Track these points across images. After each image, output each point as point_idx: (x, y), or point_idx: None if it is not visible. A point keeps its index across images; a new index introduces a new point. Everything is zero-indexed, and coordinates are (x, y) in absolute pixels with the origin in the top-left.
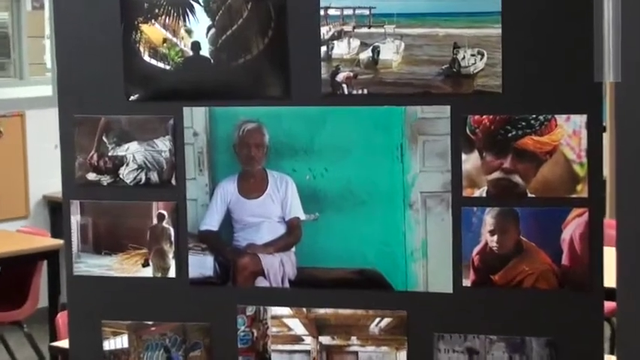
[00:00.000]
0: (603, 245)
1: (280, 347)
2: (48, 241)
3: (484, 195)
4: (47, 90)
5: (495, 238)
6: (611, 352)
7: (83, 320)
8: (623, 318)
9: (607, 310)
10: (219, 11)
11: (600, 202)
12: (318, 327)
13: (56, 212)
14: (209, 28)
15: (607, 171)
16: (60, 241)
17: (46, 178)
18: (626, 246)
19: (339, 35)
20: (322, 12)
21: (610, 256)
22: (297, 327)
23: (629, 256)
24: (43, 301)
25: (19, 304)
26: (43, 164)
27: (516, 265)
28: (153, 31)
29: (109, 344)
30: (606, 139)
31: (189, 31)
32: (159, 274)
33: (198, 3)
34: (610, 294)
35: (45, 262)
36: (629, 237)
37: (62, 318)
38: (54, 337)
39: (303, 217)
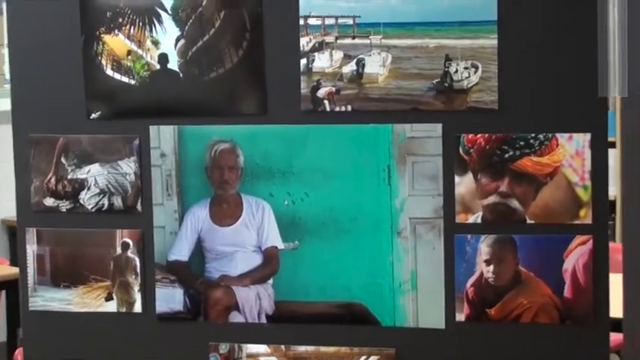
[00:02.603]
0: (609, 275)
1: None
2: (6, 270)
3: (479, 221)
4: (6, 104)
5: (491, 268)
6: None
7: (41, 359)
8: (630, 351)
9: (614, 343)
10: (188, 20)
11: (605, 229)
12: None
13: (16, 238)
14: (178, 39)
15: (616, 190)
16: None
17: (5, 200)
18: (634, 272)
19: (320, 47)
20: (302, 21)
21: (617, 283)
22: None
23: (637, 283)
24: (1, 335)
25: None
26: (1, 185)
27: (514, 297)
28: (116, 43)
29: None
30: (616, 155)
31: (155, 42)
32: (123, 309)
33: (166, 11)
34: (617, 325)
35: (3, 293)
36: (637, 263)
37: (21, 354)
38: None
39: (281, 246)
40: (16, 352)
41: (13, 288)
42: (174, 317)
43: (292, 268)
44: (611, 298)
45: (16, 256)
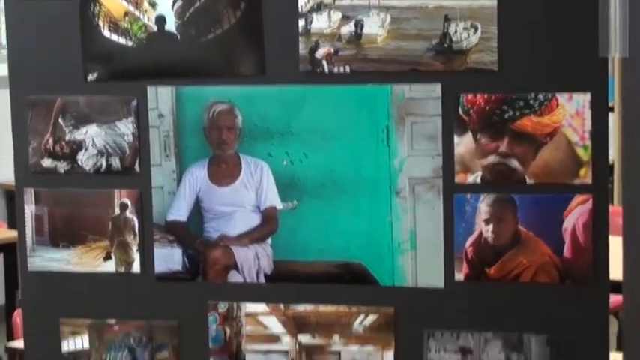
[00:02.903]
0: (608, 234)
1: (256, 347)
2: (4, 233)
3: (478, 181)
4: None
5: (491, 227)
6: (618, 349)
7: (39, 319)
8: (630, 312)
9: (613, 304)
10: None
11: (605, 189)
12: (296, 325)
13: (13, 201)
14: (175, 1)
15: (614, 154)
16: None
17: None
18: (634, 235)
19: (318, 7)
20: None
21: (616, 245)
22: (274, 325)
23: (636, 245)
24: (0, 298)
25: None
26: None
27: (513, 256)
28: (113, 4)
29: (68, 345)
30: (613, 120)
31: (153, 4)
32: (122, 269)
33: None
34: (616, 286)
35: (1, 256)
36: (636, 225)
37: (20, 316)
38: (11, 336)
39: (279, 206)
40: (15, 313)
41: (12, 251)
42: (172, 277)
43: (291, 228)
44: (610, 261)
45: (14, 220)
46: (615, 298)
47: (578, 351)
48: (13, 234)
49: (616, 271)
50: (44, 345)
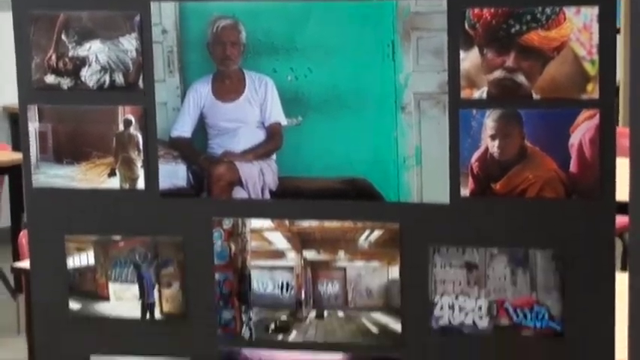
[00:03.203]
0: (615, 149)
1: (261, 263)
2: (8, 155)
3: (484, 96)
4: None
5: (497, 143)
6: (623, 269)
7: (45, 236)
8: (635, 232)
9: (618, 225)
10: None
11: (612, 104)
12: (301, 241)
13: (17, 124)
14: None
15: (620, 76)
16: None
17: (5, 87)
18: None
19: None
20: None
21: (622, 167)
22: (279, 241)
23: None
24: (5, 220)
25: None
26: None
27: (519, 172)
28: None
29: (74, 261)
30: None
31: None
32: (126, 185)
33: None
34: (622, 207)
35: (6, 178)
36: None
37: (25, 237)
38: (17, 257)
39: (284, 121)
40: (21, 234)
41: (16, 173)
42: (177, 193)
43: (295, 144)
44: (616, 182)
45: (19, 143)
46: (621, 220)
47: (583, 266)
48: (18, 156)
49: (622, 192)
50: (49, 262)
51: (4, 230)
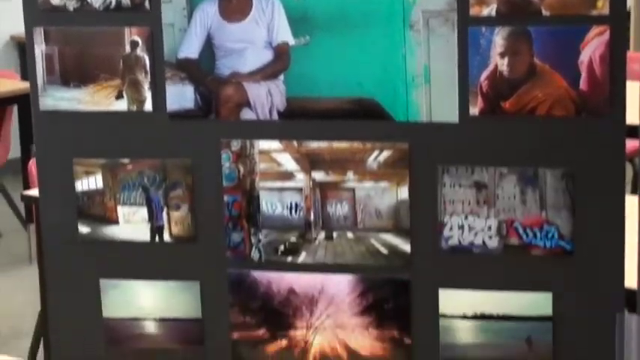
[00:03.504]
0: (625, 66)
1: (269, 184)
2: (17, 84)
3: (493, 13)
4: None
5: (506, 60)
6: (634, 193)
7: (53, 159)
8: None
9: (629, 150)
10: None
11: (623, 20)
12: (310, 162)
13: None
14: None
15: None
16: None
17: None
18: None
19: None
20: None
21: (632, 90)
22: (288, 162)
23: None
24: (15, 151)
25: None
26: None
27: (529, 90)
28: None
29: (82, 184)
30: None
31: None
32: (134, 107)
33: None
34: (632, 131)
35: (15, 108)
36: None
37: (35, 165)
38: (27, 187)
39: (291, 41)
40: (30, 162)
41: (25, 103)
42: (185, 115)
43: (303, 64)
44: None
45: (27, 72)
46: (631, 144)
47: (593, 184)
48: (26, 85)
49: (632, 115)
50: (58, 186)
51: (14, 161)
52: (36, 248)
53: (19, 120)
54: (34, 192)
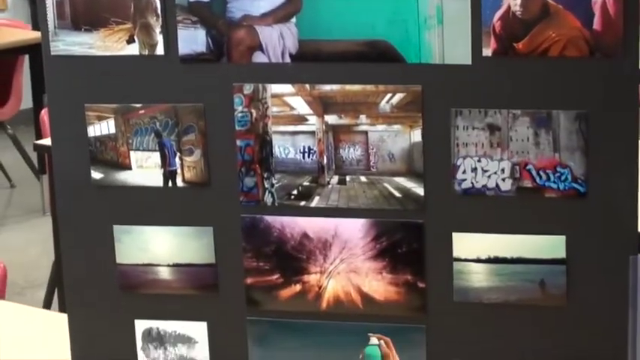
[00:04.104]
0: (639, 6)
1: (282, 128)
2: (29, 34)
3: None
4: None
5: (519, 0)
6: None
7: (64, 105)
8: None
9: None
10: None
11: None
12: (323, 105)
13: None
14: None
15: None
16: None
17: None
18: None
19: None
20: None
21: None
22: (301, 106)
23: None
24: (28, 102)
25: (1, 103)
26: None
27: (542, 30)
28: None
29: (94, 130)
30: None
31: None
32: (145, 52)
33: None
34: None
35: (26, 58)
36: None
37: (47, 114)
38: (39, 137)
39: None
40: (42, 112)
41: (37, 53)
42: (197, 59)
43: (315, 6)
44: None
45: (38, 22)
46: None
47: (607, 126)
48: (37, 35)
49: None
50: (70, 131)
51: (26, 112)
52: (49, 199)
53: (31, 70)
54: (46, 141)
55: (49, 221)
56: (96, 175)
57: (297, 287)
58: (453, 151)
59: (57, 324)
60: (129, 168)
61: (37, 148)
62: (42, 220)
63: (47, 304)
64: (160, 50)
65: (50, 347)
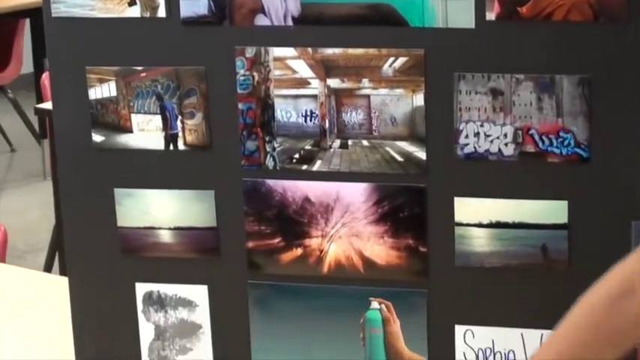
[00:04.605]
0: None
1: (284, 92)
2: None
3: None
4: None
5: None
6: None
7: (65, 68)
8: None
9: None
10: None
11: None
12: (325, 69)
13: None
14: None
15: None
16: None
17: None
18: None
19: None
20: None
21: None
22: (303, 69)
23: None
24: (28, 67)
25: (1, 67)
26: None
27: None
28: None
29: (95, 93)
30: None
31: None
32: (147, 14)
33: None
34: None
35: (27, 22)
36: None
37: (47, 78)
38: (40, 102)
39: None
40: (43, 76)
41: (38, 17)
42: (199, 21)
43: None
44: None
45: None
46: None
47: (610, 91)
48: None
49: None
50: (71, 94)
51: (27, 76)
52: (50, 163)
53: (32, 34)
54: (47, 105)
55: (50, 185)
56: (97, 138)
57: (299, 251)
58: (456, 115)
59: (58, 287)
60: (130, 131)
61: (37, 112)
62: (43, 184)
63: (48, 268)
64: (161, 12)
65: (51, 311)
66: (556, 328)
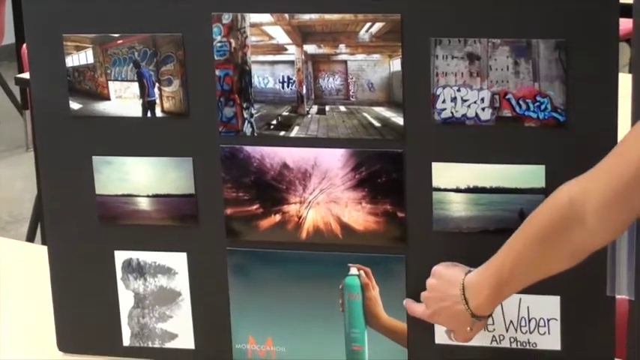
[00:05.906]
0: None
1: (261, 58)
2: None
3: None
4: None
5: None
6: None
7: (42, 35)
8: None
9: (623, 32)
10: None
11: None
12: (302, 34)
13: None
14: None
15: None
16: None
17: None
18: None
19: None
20: None
21: None
22: (279, 35)
23: None
24: (10, 37)
25: None
26: None
27: None
28: None
29: (72, 60)
30: None
31: None
32: None
33: None
34: (626, 10)
35: None
36: None
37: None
38: (22, 72)
39: None
40: (23, 46)
41: None
42: None
43: None
44: None
45: None
46: (626, 25)
47: (587, 55)
48: None
49: None
50: (48, 62)
51: (8, 47)
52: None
53: (13, 5)
54: (28, 75)
55: (33, 157)
56: (74, 105)
57: (277, 217)
58: (433, 80)
59: (39, 257)
60: (107, 98)
61: (18, 82)
62: (25, 155)
63: (30, 238)
64: None
65: (33, 280)
66: None
